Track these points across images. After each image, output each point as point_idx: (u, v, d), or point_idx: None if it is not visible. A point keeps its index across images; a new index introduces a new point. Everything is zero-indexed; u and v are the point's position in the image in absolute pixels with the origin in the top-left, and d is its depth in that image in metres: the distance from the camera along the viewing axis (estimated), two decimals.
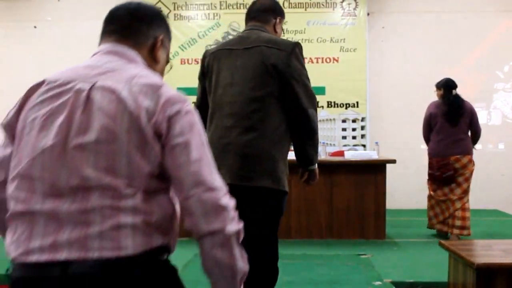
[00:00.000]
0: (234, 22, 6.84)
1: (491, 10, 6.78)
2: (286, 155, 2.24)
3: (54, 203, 1.07)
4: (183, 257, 3.87)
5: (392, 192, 5.77)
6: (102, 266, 1.04)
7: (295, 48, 2.18)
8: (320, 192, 4.62)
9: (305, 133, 2.20)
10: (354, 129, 6.72)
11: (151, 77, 1.17)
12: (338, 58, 6.74)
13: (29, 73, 7.12)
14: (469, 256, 2.52)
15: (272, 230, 2.28)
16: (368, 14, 6.78)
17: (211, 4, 6.85)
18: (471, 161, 4.77)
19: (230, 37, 6.81)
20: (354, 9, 6.74)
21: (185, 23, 6.87)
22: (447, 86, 4.72)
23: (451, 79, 4.77)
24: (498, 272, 2.44)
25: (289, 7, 6.79)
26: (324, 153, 5.06)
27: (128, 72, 1.17)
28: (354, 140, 6.68)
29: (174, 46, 6.90)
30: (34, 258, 1.05)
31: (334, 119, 6.73)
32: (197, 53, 6.81)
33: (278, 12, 2.36)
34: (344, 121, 6.73)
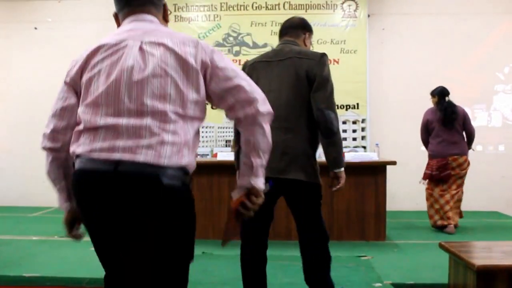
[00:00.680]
0: (235, 23, 6.85)
1: (491, 12, 6.79)
2: (316, 152, 2.54)
3: (114, 120, 1.48)
4: None
5: (393, 193, 5.76)
6: (144, 167, 1.43)
7: (323, 58, 2.51)
8: None
9: (324, 133, 2.46)
10: (354, 131, 6.73)
11: (182, 34, 1.63)
12: (338, 59, 6.74)
13: (30, 74, 7.15)
14: (469, 258, 2.52)
15: (316, 216, 2.58)
16: (368, 15, 6.79)
17: (212, 5, 6.86)
18: (466, 161, 5.22)
19: (231, 38, 6.83)
20: (355, 10, 6.75)
21: (185, 24, 6.87)
22: (441, 94, 5.28)
23: (445, 87, 5.34)
24: (499, 274, 2.45)
25: (289, 9, 6.81)
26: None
27: (162, 31, 1.61)
28: (354, 142, 6.68)
29: None
30: (95, 155, 1.47)
31: None
32: None
33: (307, 28, 2.71)
34: (344, 122, 6.73)
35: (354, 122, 6.71)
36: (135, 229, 1.48)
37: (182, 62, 1.53)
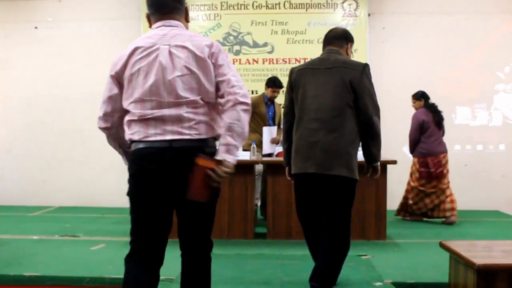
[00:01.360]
0: (235, 22, 6.85)
1: (491, 11, 6.78)
2: (356, 151, 2.84)
3: (160, 112, 2.00)
4: None
5: (393, 193, 5.76)
6: (190, 142, 2.00)
7: (365, 68, 2.82)
8: None
9: (369, 135, 2.80)
10: None
11: (200, 36, 2.15)
12: None
13: (30, 73, 7.14)
14: (470, 257, 2.51)
15: (349, 206, 2.87)
16: (369, 15, 6.79)
17: (212, 4, 6.85)
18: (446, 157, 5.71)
19: (231, 37, 6.83)
20: (355, 10, 6.75)
21: None
22: (426, 97, 5.70)
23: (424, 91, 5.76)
24: (499, 273, 2.44)
25: (290, 8, 6.80)
26: None
27: (185, 35, 2.09)
28: None
29: None
30: (151, 138, 1.99)
31: None
32: None
33: (349, 39, 3.04)
34: None
35: None
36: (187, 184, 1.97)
37: (202, 61, 2.04)
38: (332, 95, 2.76)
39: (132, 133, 2.04)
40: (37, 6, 7.12)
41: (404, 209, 5.76)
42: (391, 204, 5.20)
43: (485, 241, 3.17)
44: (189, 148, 1.99)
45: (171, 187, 2.01)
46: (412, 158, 5.72)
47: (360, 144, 2.88)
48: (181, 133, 1.99)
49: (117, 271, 3.51)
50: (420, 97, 5.68)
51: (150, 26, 2.20)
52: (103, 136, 2.22)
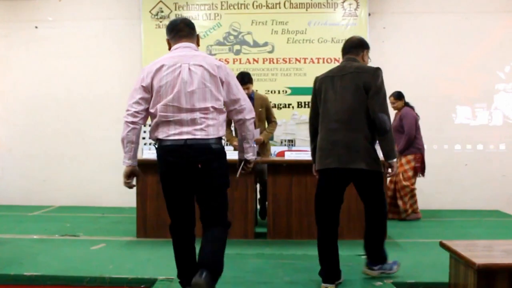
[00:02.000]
0: (235, 22, 6.84)
1: (492, 10, 6.78)
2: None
3: (179, 116, 2.62)
4: None
5: None
6: (200, 140, 2.61)
7: (376, 71, 3.13)
8: None
9: (379, 131, 3.08)
10: None
11: (210, 57, 2.78)
12: (339, 58, 6.69)
13: (30, 73, 7.14)
14: (470, 257, 2.51)
15: (377, 197, 3.24)
16: (369, 14, 6.78)
17: (212, 4, 6.85)
18: None
19: (231, 37, 6.84)
20: (355, 9, 6.75)
21: None
22: (404, 97, 5.84)
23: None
24: (499, 272, 2.44)
25: (290, 8, 6.80)
26: None
27: (200, 56, 2.72)
28: None
29: None
30: (171, 137, 2.61)
31: None
32: None
33: (365, 46, 3.38)
34: None
35: None
36: (200, 173, 2.64)
37: (213, 77, 2.68)
38: (349, 98, 3.09)
39: (157, 132, 2.69)
40: (37, 6, 7.12)
41: (392, 210, 5.74)
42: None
43: (485, 240, 3.17)
44: (198, 146, 2.62)
45: (187, 173, 2.65)
46: (399, 158, 5.71)
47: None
48: (193, 134, 2.62)
49: (118, 270, 3.51)
50: (401, 96, 5.80)
51: (170, 49, 2.82)
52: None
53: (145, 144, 6.62)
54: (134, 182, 2.84)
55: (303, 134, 6.79)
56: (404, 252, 4.13)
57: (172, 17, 6.81)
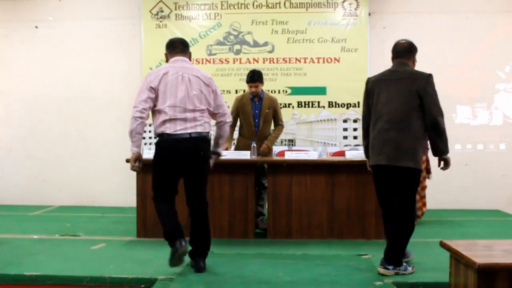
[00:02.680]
0: (235, 22, 6.84)
1: (492, 10, 6.77)
2: (422, 147, 3.44)
3: (184, 115, 3.35)
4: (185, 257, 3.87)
5: None
6: (200, 134, 3.39)
7: (429, 78, 3.36)
8: (321, 192, 4.62)
9: (436, 133, 3.37)
10: (355, 129, 6.72)
11: (202, 71, 3.54)
12: (339, 58, 6.74)
13: (30, 73, 7.14)
14: (470, 257, 2.51)
15: (414, 192, 3.44)
16: (369, 14, 6.78)
17: (212, 4, 6.85)
18: None
19: (231, 37, 6.84)
20: (355, 9, 6.75)
21: (186, 23, 6.87)
22: None
23: None
24: (500, 272, 2.44)
25: (290, 7, 6.80)
26: (325, 153, 5.05)
27: (196, 68, 3.52)
28: (355, 140, 6.68)
29: None
30: (178, 132, 3.32)
31: (335, 119, 6.73)
32: (199, 53, 6.81)
33: (414, 50, 3.63)
34: (345, 121, 6.73)
35: (355, 121, 6.71)
36: (198, 158, 3.41)
37: (206, 86, 3.46)
38: (400, 101, 3.35)
39: (165, 127, 3.34)
40: (37, 6, 7.12)
41: None
42: None
43: (485, 240, 3.17)
44: (200, 137, 3.40)
45: (189, 161, 3.39)
46: None
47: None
48: (195, 129, 3.37)
49: (118, 270, 3.51)
50: None
51: (167, 61, 3.55)
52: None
53: (145, 144, 6.62)
54: (140, 166, 3.50)
55: (303, 134, 6.79)
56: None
57: (172, 17, 6.83)
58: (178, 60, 3.45)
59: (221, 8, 6.85)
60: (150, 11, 6.87)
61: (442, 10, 6.81)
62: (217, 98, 3.51)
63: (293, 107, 6.79)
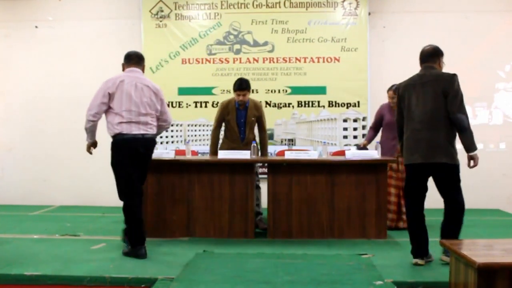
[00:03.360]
0: (235, 21, 6.84)
1: (492, 9, 6.77)
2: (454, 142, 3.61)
3: (138, 118, 3.90)
4: (184, 257, 3.88)
5: None
6: (151, 135, 4.03)
7: (453, 78, 3.56)
8: (321, 191, 4.62)
9: (458, 130, 3.56)
10: (355, 129, 6.72)
11: (152, 82, 4.14)
12: (339, 57, 6.73)
13: (30, 72, 7.14)
14: (470, 256, 2.51)
15: (457, 185, 3.60)
16: (369, 13, 6.78)
17: (212, 3, 6.85)
18: None
19: (231, 36, 6.84)
20: (355, 8, 6.74)
21: (186, 22, 6.87)
22: None
23: None
24: (500, 271, 2.44)
25: (290, 7, 6.80)
26: (325, 152, 5.04)
27: (146, 79, 4.07)
28: (355, 140, 6.68)
29: (175, 46, 6.89)
30: (133, 132, 3.93)
31: (335, 119, 6.73)
32: (198, 53, 6.82)
33: (440, 54, 3.81)
34: (345, 120, 6.73)
35: (355, 120, 6.71)
36: (147, 156, 4.04)
37: (155, 94, 4.02)
38: (429, 102, 3.57)
39: (121, 129, 3.86)
40: (37, 6, 7.12)
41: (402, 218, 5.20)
42: None
43: (485, 239, 3.18)
44: (150, 138, 4.00)
45: (141, 156, 3.96)
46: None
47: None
48: (147, 131, 3.95)
49: (118, 270, 3.51)
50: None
51: (123, 70, 4.03)
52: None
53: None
54: (93, 151, 4.24)
55: (303, 134, 6.79)
56: (404, 251, 4.13)
57: (172, 17, 6.83)
58: (133, 71, 3.98)
59: (221, 8, 6.85)
60: (150, 11, 6.87)
61: (442, 10, 6.81)
62: (163, 106, 4.09)
63: (293, 106, 6.79)
